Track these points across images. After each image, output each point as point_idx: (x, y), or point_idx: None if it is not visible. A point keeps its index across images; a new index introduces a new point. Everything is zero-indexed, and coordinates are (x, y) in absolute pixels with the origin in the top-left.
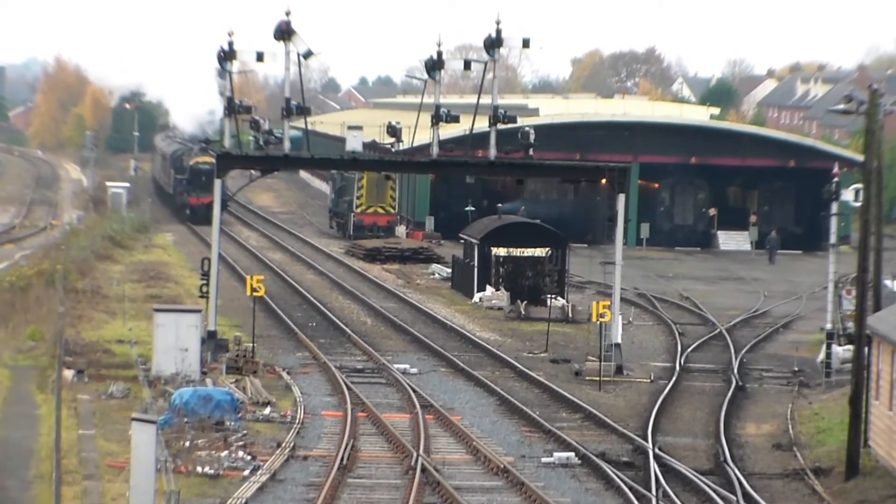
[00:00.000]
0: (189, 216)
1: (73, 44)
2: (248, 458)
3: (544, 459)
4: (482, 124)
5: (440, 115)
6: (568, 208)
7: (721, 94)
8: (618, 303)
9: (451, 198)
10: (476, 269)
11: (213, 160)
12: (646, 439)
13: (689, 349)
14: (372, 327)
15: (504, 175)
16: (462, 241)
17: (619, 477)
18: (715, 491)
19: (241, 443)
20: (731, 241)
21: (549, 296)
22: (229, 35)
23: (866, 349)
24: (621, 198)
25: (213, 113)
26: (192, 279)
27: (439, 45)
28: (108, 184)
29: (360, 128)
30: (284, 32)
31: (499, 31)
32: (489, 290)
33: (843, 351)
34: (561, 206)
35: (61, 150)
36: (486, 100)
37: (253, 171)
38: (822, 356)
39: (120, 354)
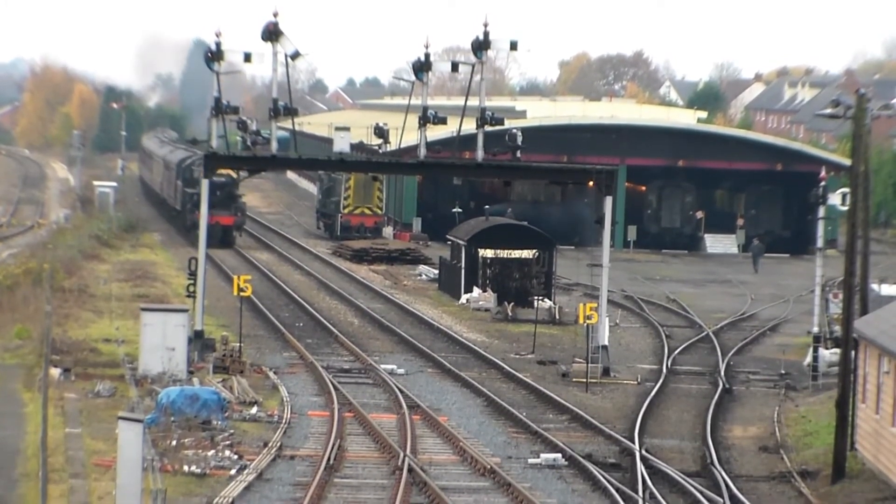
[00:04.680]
0: None
1: (59, 40)
2: (235, 457)
3: (531, 460)
4: (469, 126)
5: (427, 117)
6: (555, 210)
7: (708, 97)
8: (605, 305)
9: (439, 199)
10: (463, 271)
11: (231, 171)
12: (632, 441)
13: (676, 351)
14: (359, 328)
15: (491, 177)
16: (449, 242)
17: (605, 478)
18: (702, 493)
19: (227, 442)
20: (719, 244)
21: (536, 297)
22: (217, 35)
23: (853, 353)
24: (608, 200)
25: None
26: (179, 279)
27: (427, 47)
28: (96, 183)
29: (347, 129)
30: (272, 33)
31: (486, 34)
32: (476, 291)
33: (829, 354)
34: (548, 208)
35: (48, 149)
36: (473, 102)
37: (240, 172)
38: (808, 359)
39: (107, 353)
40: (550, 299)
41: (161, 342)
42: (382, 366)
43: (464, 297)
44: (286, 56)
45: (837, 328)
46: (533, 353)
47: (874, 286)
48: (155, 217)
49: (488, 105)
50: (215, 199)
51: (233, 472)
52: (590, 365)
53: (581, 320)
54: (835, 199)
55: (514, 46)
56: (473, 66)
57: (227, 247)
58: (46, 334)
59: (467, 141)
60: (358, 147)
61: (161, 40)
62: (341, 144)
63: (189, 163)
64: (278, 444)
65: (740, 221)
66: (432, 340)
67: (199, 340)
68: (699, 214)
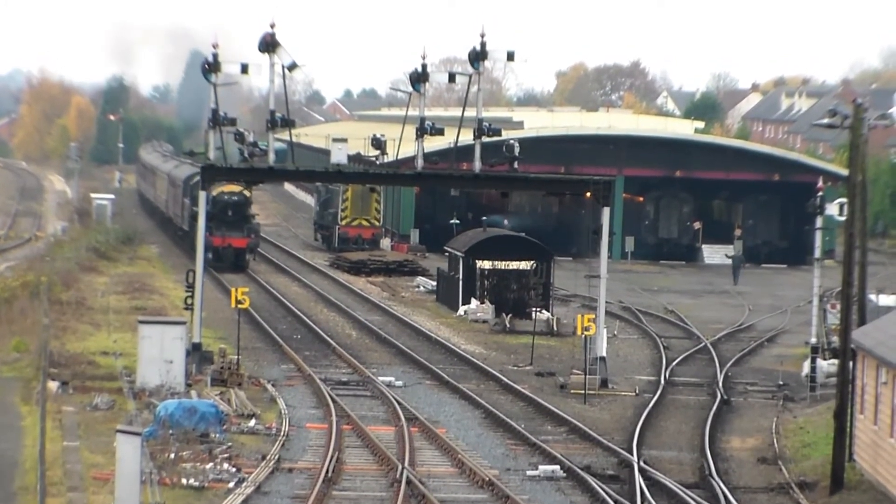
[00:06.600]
0: (211, 260)
1: (57, 51)
2: (233, 470)
3: (529, 472)
4: (467, 137)
5: (425, 128)
6: (553, 221)
7: (706, 107)
8: (603, 316)
9: (436, 210)
10: (461, 282)
11: (244, 189)
12: (631, 452)
13: (674, 363)
14: (357, 340)
15: (489, 188)
16: (447, 253)
17: (604, 490)
18: None
19: (225, 455)
20: (716, 254)
21: (533, 309)
22: (214, 47)
23: (851, 363)
24: (606, 211)
25: None
26: (176, 291)
27: (424, 58)
28: (93, 195)
29: (344, 140)
30: (269, 45)
31: (483, 44)
32: (474, 302)
33: (827, 365)
34: (546, 219)
35: (46, 161)
36: (470, 112)
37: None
38: (806, 370)
39: (105, 366)
40: (548, 310)
41: (159, 355)
42: (380, 378)
43: (462, 309)
44: (283, 67)
45: (835, 339)
46: (531, 364)
47: (872, 296)
48: (153, 229)
49: (485, 116)
50: (227, 219)
51: (231, 485)
52: (588, 376)
53: (579, 331)
54: (832, 209)
55: (511, 57)
56: (470, 77)
57: (239, 271)
58: (44, 347)
59: (465, 152)
60: (355, 158)
61: (131, 25)
62: (339, 156)
63: (198, 179)
64: (276, 457)
65: (738, 232)
66: (430, 352)
67: (196, 353)
68: (697, 225)
